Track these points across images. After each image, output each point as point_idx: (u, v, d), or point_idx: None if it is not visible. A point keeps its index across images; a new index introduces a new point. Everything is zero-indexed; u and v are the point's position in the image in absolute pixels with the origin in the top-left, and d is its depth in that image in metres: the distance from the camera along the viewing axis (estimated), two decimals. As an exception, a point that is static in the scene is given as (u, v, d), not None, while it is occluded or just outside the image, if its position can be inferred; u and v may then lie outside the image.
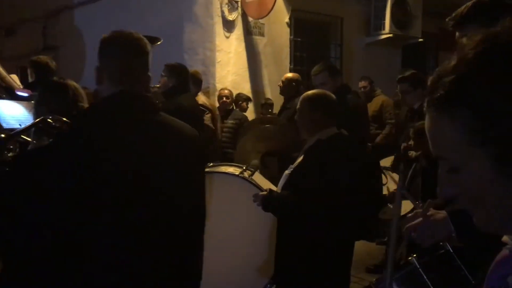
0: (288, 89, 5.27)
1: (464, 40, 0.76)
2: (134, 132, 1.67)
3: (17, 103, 2.91)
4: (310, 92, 2.80)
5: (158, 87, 3.98)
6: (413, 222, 1.63)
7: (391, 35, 7.69)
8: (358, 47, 7.97)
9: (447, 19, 1.69)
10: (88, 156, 1.62)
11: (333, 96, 2.76)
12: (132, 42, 1.73)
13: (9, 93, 3.95)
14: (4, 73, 4.12)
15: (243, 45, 6.63)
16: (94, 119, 1.71)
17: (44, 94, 2.15)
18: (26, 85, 4.17)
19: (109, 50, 1.74)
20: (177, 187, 1.74)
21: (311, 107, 2.68)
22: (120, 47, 1.74)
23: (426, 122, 0.78)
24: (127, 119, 1.68)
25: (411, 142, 3.63)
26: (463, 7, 1.65)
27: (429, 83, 0.76)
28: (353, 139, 2.76)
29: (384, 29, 7.68)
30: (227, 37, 6.48)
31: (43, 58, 4.10)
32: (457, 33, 1.65)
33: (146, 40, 1.77)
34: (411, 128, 3.60)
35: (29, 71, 4.14)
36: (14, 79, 4.29)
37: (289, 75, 5.57)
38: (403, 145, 3.86)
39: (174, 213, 1.73)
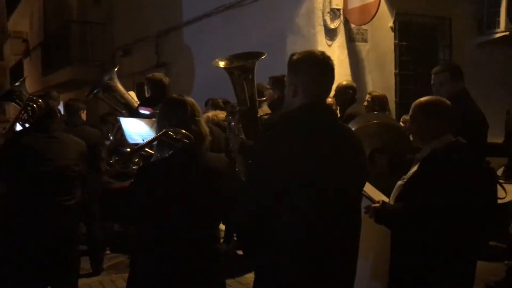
0: (344, 97, 5.04)
1: None
2: (326, 135, 1.98)
3: (140, 120, 3.15)
4: (423, 98, 2.69)
5: (264, 99, 4.07)
6: None
7: (507, 33, 7.11)
8: (469, 48, 7.49)
9: None
10: (290, 156, 1.89)
11: (448, 102, 2.63)
12: (324, 61, 2.02)
13: (128, 109, 4.30)
14: (123, 90, 4.47)
15: (345, 52, 6.57)
16: (291, 125, 1.99)
17: (165, 110, 2.33)
18: (142, 100, 4.49)
19: (306, 68, 2.02)
20: (356, 190, 2.08)
21: (424, 114, 2.58)
22: (316, 65, 2.02)
23: None
24: (320, 125, 2.00)
25: None
26: None
27: None
28: (471, 147, 2.60)
29: (498, 27, 7.14)
30: (329, 46, 6.47)
31: (158, 75, 4.38)
32: None
33: (332, 60, 2.04)
34: None
35: (145, 87, 4.43)
36: (132, 95, 4.65)
37: (344, 83, 5.29)
38: None
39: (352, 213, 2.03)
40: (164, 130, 2.19)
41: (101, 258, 5.38)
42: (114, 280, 5.09)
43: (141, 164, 2.39)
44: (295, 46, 6.49)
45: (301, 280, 1.93)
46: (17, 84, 4.93)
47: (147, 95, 4.38)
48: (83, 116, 5.28)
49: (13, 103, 4.90)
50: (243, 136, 3.48)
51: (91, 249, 5.26)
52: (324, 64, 2.04)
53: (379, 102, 5.28)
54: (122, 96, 4.37)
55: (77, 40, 12.23)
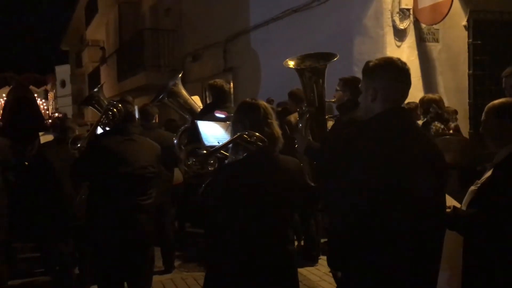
0: None
1: None
2: (406, 139, 2.01)
3: (216, 123, 3.25)
4: (496, 101, 2.58)
5: (333, 101, 4.05)
6: None
7: None
8: (552, 45, 7.04)
9: None
10: (383, 159, 1.96)
11: None
12: (401, 67, 2.09)
13: (191, 114, 4.44)
14: (187, 95, 4.62)
15: (415, 53, 6.41)
16: (381, 129, 2.05)
17: (239, 113, 2.41)
18: (205, 105, 4.63)
19: (384, 74, 2.08)
20: (440, 195, 2.12)
21: (498, 117, 2.48)
22: (394, 71, 2.09)
23: None
24: (401, 129, 2.04)
25: None
26: None
27: None
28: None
29: None
30: (398, 46, 6.35)
31: (219, 81, 4.48)
32: None
33: (408, 65, 2.10)
34: None
35: (207, 93, 4.55)
36: (196, 100, 4.79)
37: None
38: None
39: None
40: (239, 133, 2.26)
41: (173, 256, 5.58)
42: (184, 278, 5.25)
43: (216, 165, 2.47)
44: (363, 47, 6.42)
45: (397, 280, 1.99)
46: (95, 90, 5.20)
47: (208, 101, 4.48)
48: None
49: (91, 107, 5.19)
50: (310, 137, 3.48)
51: (164, 247, 5.45)
52: (402, 70, 2.10)
53: (427, 107, 5.09)
54: (185, 101, 4.53)
55: (149, 47, 12.72)
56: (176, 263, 5.63)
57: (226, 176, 2.27)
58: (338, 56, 3.25)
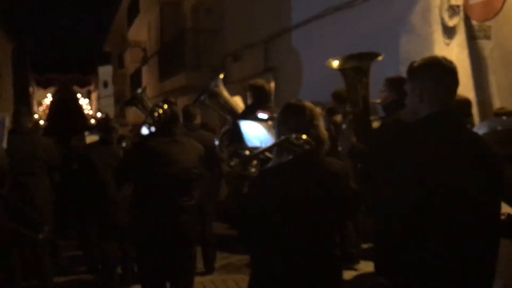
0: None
1: None
2: (456, 141, 1.94)
3: (259, 123, 3.20)
4: None
5: (378, 102, 3.94)
6: None
7: None
8: None
9: None
10: (428, 165, 1.88)
11: None
12: (448, 65, 2.01)
13: (232, 115, 4.38)
14: (228, 96, 4.57)
15: (465, 51, 6.14)
16: (424, 131, 1.98)
17: (284, 115, 2.33)
18: (246, 107, 4.56)
19: (431, 73, 2.01)
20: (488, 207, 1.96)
21: None
22: (441, 70, 2.01)
23: None
24: (451, 131, 1.97)
25: None
26: None
27: None
28: None
29: None
30: (447, 45, 6.09)
31: (259, 81, 4.42)
32: None
33: (454, 64, 2.01)
34: None
35: (247, 94, 4.50)
36: (237, 101, 4.72)
37: None
38: None
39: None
40: (287, 136, 2.20)
41: (214, 257, 5.56)
42: (225, 280, 5.23)
43: (258, 167, 2.42)
44: (410, 46, 6.20)
45: None
46: (139, 91, 5.26)
47: (249, 102, 4.43)
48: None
49: (134, 107, 5.25)
50: (353, 139, 3.38)
51: (204, 248, 5.44)
52: (448, 69, 2.02)
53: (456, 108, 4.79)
54: (226, 102, 4.47)
55: (190, 47, 12.82)
56: (217, 264, 5.62)
57: (271, 179, 2.21)
58: (383, 55, 3.13)
